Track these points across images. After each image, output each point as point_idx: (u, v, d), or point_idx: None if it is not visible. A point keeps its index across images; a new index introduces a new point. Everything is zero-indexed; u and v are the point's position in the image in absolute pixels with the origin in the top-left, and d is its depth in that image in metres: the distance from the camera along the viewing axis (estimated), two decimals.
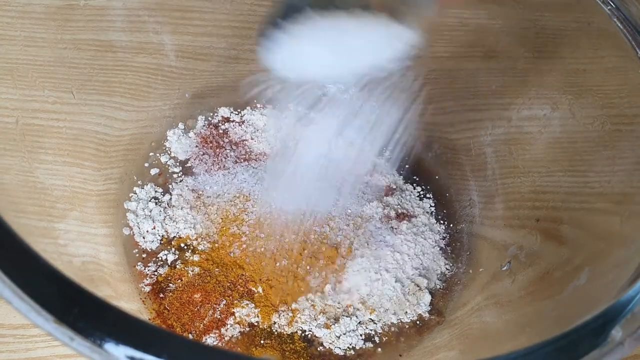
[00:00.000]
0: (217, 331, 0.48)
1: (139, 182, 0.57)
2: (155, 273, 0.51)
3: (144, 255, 0.53)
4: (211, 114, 0.63)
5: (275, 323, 0.49)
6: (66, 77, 0.53)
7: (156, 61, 0.61)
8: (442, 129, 0.64)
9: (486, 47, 0.61)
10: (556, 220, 0.52)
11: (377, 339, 0.50)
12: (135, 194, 0.56)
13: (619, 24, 0.48)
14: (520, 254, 0.52)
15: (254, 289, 0.51)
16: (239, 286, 0.51)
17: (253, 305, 0.50)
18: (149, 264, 0.52)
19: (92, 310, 0.25)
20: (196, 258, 0.52)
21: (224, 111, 0.64)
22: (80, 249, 0.48)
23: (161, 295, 0.50)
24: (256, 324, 0.49)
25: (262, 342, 0.48)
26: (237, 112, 0.64)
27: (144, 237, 0.53)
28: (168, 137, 0.60)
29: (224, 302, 0.49)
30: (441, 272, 0.55)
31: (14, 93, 0.47)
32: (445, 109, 0.64)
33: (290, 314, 0.50)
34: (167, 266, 0.52)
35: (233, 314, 0.49)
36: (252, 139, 0.62)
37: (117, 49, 0.58)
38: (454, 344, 0.49)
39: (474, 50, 0.62)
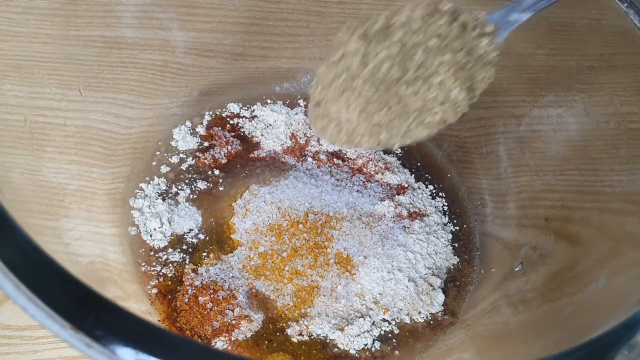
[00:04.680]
0: (227, 335, 0.47)
1: (146, 179, 0.56)
2: (161, 274, 0.50)
3: (150, 254, 0.52)
4: (220, 110, 0.63)
5: (288, 327, 0.49)
6: (72, 74, 0.52)
7: (163, 58, 0.60)
8: (452, 126, 0.63)
9: None
10: (569, 220, 0.51)
11: (392, 339, 0.50)
12: (142, 190, 0.55)
13: (636, 21, 0.47)
14: (533, 254, 0.51)
15: (265, 292, 0.50)
16: (249, 289, 0.50)
17: (265, 309, 0.49)
18: (155, 265, 0.51)
19: (109, 317, 0.25)
20: (205, 259, 0.52)
21: (233, 107, 0.63)
22: (88, 248, 0.48)
23: (169, 296, 0.49)
24: (270, 327, 0.49)
25: (274, 345, 0.48)
26: (247, 108, 0.63)
27: (151, 236, 0.53)
28: (174, 135, 0.60)
29: (234, 306, 0.49)
30: (454, 271, 0.55)
31: (20, 90, 0.47)
32: None
33: (303, 318, 0.49)
34: (173, 267, 0.51)
35: (244, 318, 0.48)
36: (262, 135, 0.61)
37: (124, 45, 0.57)
38: (467, 346, 0.48)
39: None
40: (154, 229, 0.53)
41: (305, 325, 0.49)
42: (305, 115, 0.64)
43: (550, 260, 0.50)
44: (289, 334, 0.49)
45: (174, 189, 0.56)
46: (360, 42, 0.37)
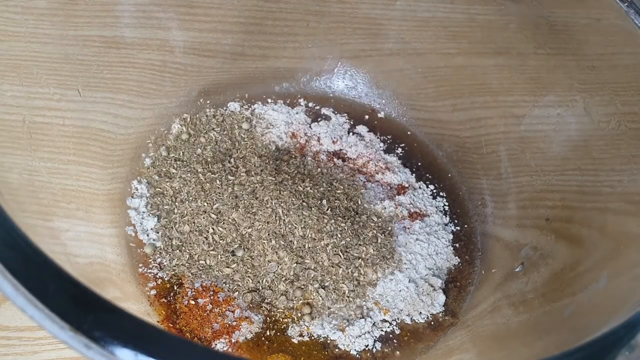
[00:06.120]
0: (228, 336, 0.47)
1: (143, 180, 0.56)
2: (159, 276, 0.50)
3: (148, 255, 0.52)
4: (221, 108, 0.62)
5: (288, 327, 0.49)
6: (71, 73, 0.52)
7: (162, 57, 0.60)
8: (452, 126, 0.63)
9: (496, 43, 0.60)
10: (570, 221, 0.51)
11: (393, 340, 0.49)
12: (137, 190, 0.55)
13: (636, 21, 0.47)
14: (533, 255, 0.51)
15: (265, 290, 0.50)
16: (250, 290, 0.50)
17: (265, 311, 0.49)
18: (152, 266, 0.51)
19: (108, 318, 0.25)
20: (204, 260, 0.51)
21: (233, 106, 0.63)
22: (87, 249, 0.47)
23: (168, 298, 0.49)
24: (270, 328, 0.49)
25: (274, 345, 0.48)
26: (247, 107, 0.63)
27: (147, 235, 0.52)
28: (173, 130, 0.60)
29: (235, 307, 0.48)
30: (454, 272, 0.54)
31: (19, 90, 0.46)
32: (455, 106, 0.63)
33: (304, 318, 0.49)
34: (171, 268, 0.51)
35: (245, 319, 0.48)
36: (262, 135, 0.60)
37: (122, 45, 0.57)
38: (468, 346, 0.48)
39: (484, 46, 0.62)
40: (151, 229, 0.53)
41: (306, 326, 0.49)
42: (306, 115, 0.63)
43: (550, 261, 0.49)
44: (289, 334, 0.48)
45: (171, 188, 0.55)
46: None
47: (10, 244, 0.27)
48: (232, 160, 0.57)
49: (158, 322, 0.47)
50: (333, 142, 0.61)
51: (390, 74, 0.66)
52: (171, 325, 0.47)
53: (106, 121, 0.55)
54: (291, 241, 0.51)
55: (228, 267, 0.50)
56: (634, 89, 0.49)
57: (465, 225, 0.58)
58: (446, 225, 0.57)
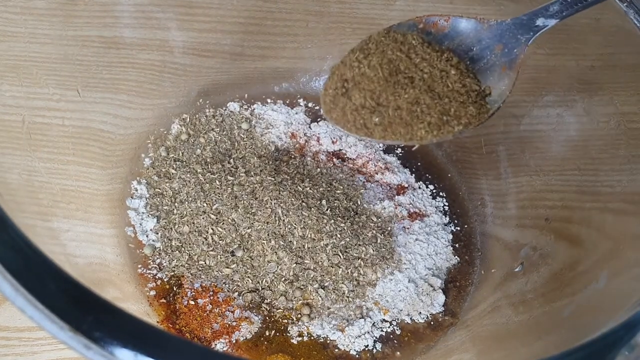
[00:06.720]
0: (227, 336, 0.47)
1: (142, 181, 0.56)
2: (158, 276, 0.50)
3: (148, 255, 0.52)
4: (221, 109, 0.62)
5: (288, 328, 0.49)
6: (71, 74, 0.52)
7: (161, 58, 0.60)
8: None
9: None
10: (569, 221, 0.51)
11: (393, 340, 0.50)
12: (137, 191, 0.55)
13: (636, 21, 0.47)
14: (533, 255, 0.51)
15: (264, 290, 0.50)
16: (249, 290, 0.50)
17: (265, 311, 0.49)
18: (151, 267, 0.51)
19: (108, 319, 0.25)
20: (204, 261, 0.51)
21: (233, 106, 0.63)
22: (86, 249, 0.48)
23: (168, 298, 0.49)
24: (270, 328, 0.49)
25: (273, 346, 0.48)
26: (246, 108, 0.63)
27: (147, 236, 0.52)
28: (172, 131, 0.60)
29: (235, 307, 0.48)
30: (454, 272, 0.54)
31: (18, 90, 0.46)
32: None
33: (303, 319, 0.49)
34: (170, 269, 0.51)
35: (245, 319, 0.48)
36: (261, 135, 0.60)
37: (122, 45, 0.57)
38: (468, 346, 0.48)
39: None
40: (150, 229, 0.53)
41: (306, 326, 0.49)
42: (305, 115, 0.63)
43: (550, 261, 0.50)
44: (288, 335, 0.48)
45: (170, 188, 0.55)
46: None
47: (10, 244, 0.27)
48: (231, 160, 0.57)
49: (158, 322, 0.47)
50: (332, 142, 0.61)
51: None
52: (171, 326, 0.47)
53: (105, 121, 0.55)
54: (291, 241, 0.51)
55: (227, 268, 0.50)
56: (633, 89, 0.49)
57: (465, 225, 0.58)
58: (446, 225, 0.57)
